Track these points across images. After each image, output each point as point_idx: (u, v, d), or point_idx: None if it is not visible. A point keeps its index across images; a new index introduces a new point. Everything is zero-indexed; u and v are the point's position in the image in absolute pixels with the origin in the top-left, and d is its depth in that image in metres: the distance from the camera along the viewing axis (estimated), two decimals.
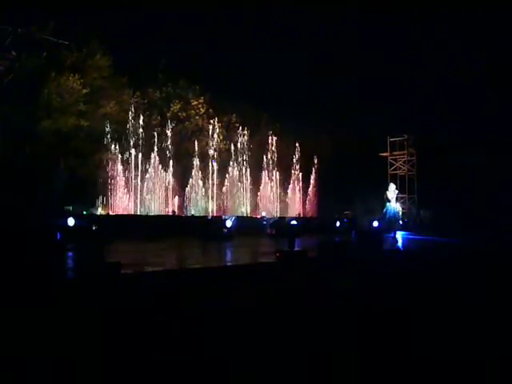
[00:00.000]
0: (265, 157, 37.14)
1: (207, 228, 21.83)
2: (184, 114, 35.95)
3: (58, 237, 15.21)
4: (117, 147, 29.76)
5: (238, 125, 37.93)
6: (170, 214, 30.80)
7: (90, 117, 30.27)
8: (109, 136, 29.46)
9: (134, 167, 30.83)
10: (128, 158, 30.67)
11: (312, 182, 39.73)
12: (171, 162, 32.11)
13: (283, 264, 11.67)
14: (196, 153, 33.58)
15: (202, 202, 33.72)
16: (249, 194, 36.13)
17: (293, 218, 25.66)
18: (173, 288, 8.38)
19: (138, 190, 30.96)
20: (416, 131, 39.56)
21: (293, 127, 37.68)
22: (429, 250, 18.71)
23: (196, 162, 33.50)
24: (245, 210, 35.53)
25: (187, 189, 33.51)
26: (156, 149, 31.39)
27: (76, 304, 6.73)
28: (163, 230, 21.78)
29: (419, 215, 37.72)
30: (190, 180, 33.51)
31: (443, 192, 34.47)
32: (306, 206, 39.62)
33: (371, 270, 11.30)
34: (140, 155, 30.80)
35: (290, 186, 39.07)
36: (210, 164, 34.18)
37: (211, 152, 34.38)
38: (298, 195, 39.22)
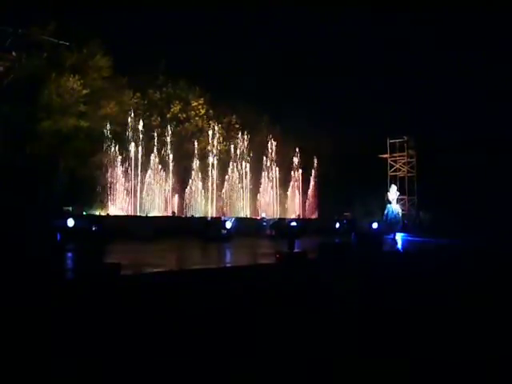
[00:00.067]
0: (265, 158, 37.16)
1: (207, 229, 21.82)
2: (184, 115, 35.96)
3: (58, 237, 15.20)
4: (117, 148, 29.77)
5: (237, 126, 37.98)
6: (170, 214, 30.82)
7: (90, 117, 30.28)
8: (109, 137, 29.47)
9: (134, 168, 30.84)
10: (128, 159, 30.66)
11: (312, 183, 39.78)
12: (171, 162, 32.12)
13: (283, 265, 11.67)
14: (196, 154, 33.61)
15: (201, 203, 33.74)
16: (248, 195, 36.15)
17: (292, 220, 25.65)
18: (172, 289, 8.37)
19: (138, 191, 30.96)
20: (416, 133, 39.61)
21: (293, 128, 37.72)
22: (428, 251, 18.71)
23: (196, 162, 33.52)
24: (244, 211, 35.54)
25: (187, 190, 33.51)
26: (156, 149, 31.40)
27: (76, 305, 6.73)
28: (163, 231, 21.77)
29: (419, 217, 37.73)
30: (190, 181, 33.52)
31: (443, 193, 34.50)
32: (306, 208, 39.64)
33: (371, 271, 11.30)
34: (140, 156, 30.81)
35: (290, 187, 39.10)
36: (210, 162, 34.17)
37: (211, 153, 34.40)
38: (298, 196, 39.25)
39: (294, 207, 38.81)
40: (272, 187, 37.64)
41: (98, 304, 6.78)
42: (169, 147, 32.22)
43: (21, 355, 4.58)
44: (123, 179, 30.32)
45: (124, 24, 32.09)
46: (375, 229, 22.02)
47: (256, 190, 36.71)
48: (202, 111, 36.64)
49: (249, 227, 26.88)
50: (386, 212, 33.03)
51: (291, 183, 39.13)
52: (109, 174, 29.63)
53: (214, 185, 34.50)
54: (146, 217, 28.96)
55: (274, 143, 37.48)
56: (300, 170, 39.19)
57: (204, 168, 34.10)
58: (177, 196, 33.21)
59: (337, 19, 43.25)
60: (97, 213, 28.36)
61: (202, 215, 31.44)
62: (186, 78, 35.98)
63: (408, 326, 6.00)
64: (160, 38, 34.73)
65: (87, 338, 5.16)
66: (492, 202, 32.21)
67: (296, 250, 13.22)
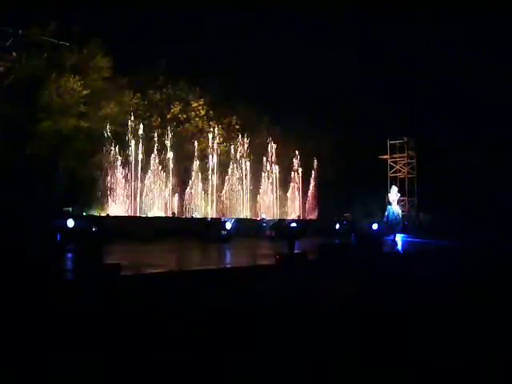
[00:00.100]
0: (265, 158, 37.16)
1: (207, 230, 21.81)
2: (184, 116, 35.95)
3: (58, 238, 15.18)
4: (117, 148, 29.76)
5: (238, 127, 37.99)
6: (170, 215, 30.79)
7: (90, 118, 30.27)
8: (109, 137, 29.46)
9: (134, 168, 30.82)
10: (128, 159, 30.64)
11: (312, 183, 39.76)
12: (171, 163, 32.11)
13: (283, 266, 11.66)
14: (196, 154, 33.59)
15: (201, 203, 33.72)
16: (248, 196, 36.14)
17: (292, 221, 25.63)
18: (172, 290, 8.37)
19: (138, 192, 30.93)
20: (416, 133, 39.61)
21: (293, 129, 37.72)
22: (428, 252, 18.70)
23: (196, 163, 33.51)
24: (244, 212, 35.53)
25: (187, 190, 33.49)
26: (156, 150, 31.39)
27: (76, 305, 6.72)
28: (163, 232, 21.77)
29: (419, 218, 37.72)
30: (190, 181, 33.51)
31: (443, 194, 34.48)
32: (306, 208, 39.63)
33: (371, 272, 11.29)
34: (140, 156, 30.79)
35: (290, 188, 39.09)
36: (210, 163, 34.16)
37: (211, 154, 34.40)
38: (298, 197, 39.24)
39: (294, 208, 38.80)
40: (272, 188, 37.63)
41: (98, 305, 6.77)
42: (169, 148, 32.19)
43: (21, 356, 4.57)
44: (123, 180, 30.28)
45: (124, 24, 32.12)
46: (375, 230, 21.98)
47: (256, 191, 36.68)
48: (202, 112, 36.61)
49: (249, 228, 26.87)
50: (386, 213, 32.95)
51: (291, 184, 39.11)
52: (109, 175, 29.59)
53: (214, 185, 34.49)
54: (146, 217, 28.95)
55: (274, 144, 37.47)
56: (300, 171, 39.18)
57: (204, 169, 34.09)
58: (177, 196, 33.19)
59: (337, 19, 43.28)
60: (96, 213, 28.34)
61: (201, 216, 31.43)
62: (186, 78, 35.95)
63: (408, 328, 6.00)
64: (160, 38, 34.80)
65: (87, 338, 5.15)
66: (492, 203, 32.19)
67: (296, 251, 13.21)
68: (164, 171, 31.94)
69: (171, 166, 32.09)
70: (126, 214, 29.19)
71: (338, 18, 43.23)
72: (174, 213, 31.40)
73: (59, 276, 9.36)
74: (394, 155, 40.48)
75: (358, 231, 21.74)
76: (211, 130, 35.34)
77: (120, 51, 31.10)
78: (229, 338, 5.35)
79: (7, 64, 26.65)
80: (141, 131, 30.79)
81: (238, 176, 35.51)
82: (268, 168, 37.37)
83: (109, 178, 29.55)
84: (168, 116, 35.26)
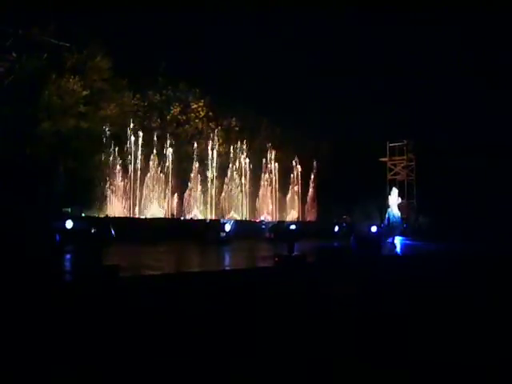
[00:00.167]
0: (264, 160, 37.16)
1: (206, 232, 21.79)
2: (184, 117, 35.97)
3: (57, 239, 15.15)
4: (116, 149, 29.75)
5: (237, 128, 37.99)
6: (169, 217, 30.76)
7: (90, 119, 30.27)
8: (108, 138, 29.46)
9: (134, 170, 30.81)
10: (127, 160, 30.63)
11: (311, 186, 39.74)
12: (170, 164, 32.10)
13: (282, 268, 11.66)
14: (195, 156, 33.59)
15: (201, 205, 33.70)
16: (248, 198, 36.12)
17: (292, 223, 25.58)
18: (171, 291, 8.37)
19: (137, 193, 30.92)
20: (415, 136, 39.65)
21: (292, 132, 37.72)
22: (427, 255, 18.71)
23: (195, 165, 33.50)
24: (244, 213, 35.52)
25: (186, 192, 33.48)
26: (155, 151, 31.38)
27: (74, 306, 6.72)
28: (162, 233, 21.75)
29: (418, 220, 37.70)
30: (189, 183, 33.49)
31: (442, 197, 34.48)
32: (305, 211, 39.61)
33: (370, 275, 11.30)
34: (139, 158, 30.78)
35: (289, 190, 39.08)
36: (210, 164, 34.15)
37: (210, 155, 34.40)
38: (297, 199, 39.23)
39: (293, 210, 38.78)
40: (271, 190, 37.61)
41: (97, 306, 6.77)
42: (168, 149, 32.18)
43: (20, 356, 4.57)
44: (122, 181, 30.26)
45: (124, 26, 32.14)
46: (374, 232, 21.96)
47: (255, 193, 36.68)
48: (202, 113, 36.65)
49: (248, 230, 26.84)
50: (387, 216, 32.98)
51: (290, 186, 39.10)
52: (108, 176, 29.58)
53: (214, 187, 34.48)
54: (145, 219, 28.93)
55: (274, 146, 37.47)
56: (299, 173, 39.17)
57: (203, 170, 34.08)
58: (176, 198, 33.17)
59: (337, 19, 43.32)
60: (96, 214, 28.31)
61: (201, 217, 31.41)
62: (186, 80, 35.98)
63: (406, 330, 6.00)
64: (160, 39, 34.83)
65: (86, 339, 5.15)
66: (492, 206, 32.18)
67: (295, 253, 13.21)
68: (163, 172, 31.92)
69: (171, 167, 32.08)
70: (125, 216, 29.17)
71: (337, 17, 43.31)
72: (173, 214, 31.38)
73: (58, 277, 9.35)
74: (394, 158, 40.52)
75: (357, 234, 21.70)
76: (210, 131, 35.33)
77: (120, 52, 31.13)
78: (228, 339, 5.35)
79: (7, 64, 26.65)
80: (140, 132, 30.79)
81: (237, 177, 35.50)
82: (267, 169, 37.36)
83: (108, 178, 29.54)
84: (168, 117, 35.28)
